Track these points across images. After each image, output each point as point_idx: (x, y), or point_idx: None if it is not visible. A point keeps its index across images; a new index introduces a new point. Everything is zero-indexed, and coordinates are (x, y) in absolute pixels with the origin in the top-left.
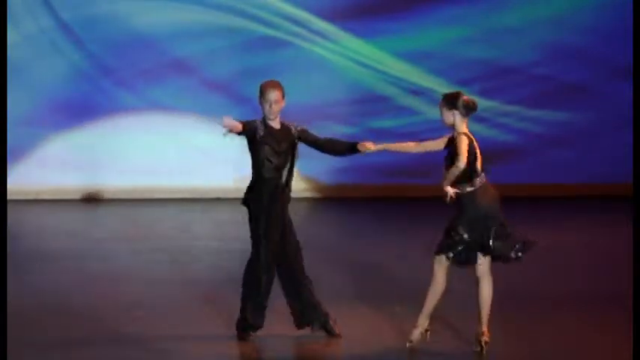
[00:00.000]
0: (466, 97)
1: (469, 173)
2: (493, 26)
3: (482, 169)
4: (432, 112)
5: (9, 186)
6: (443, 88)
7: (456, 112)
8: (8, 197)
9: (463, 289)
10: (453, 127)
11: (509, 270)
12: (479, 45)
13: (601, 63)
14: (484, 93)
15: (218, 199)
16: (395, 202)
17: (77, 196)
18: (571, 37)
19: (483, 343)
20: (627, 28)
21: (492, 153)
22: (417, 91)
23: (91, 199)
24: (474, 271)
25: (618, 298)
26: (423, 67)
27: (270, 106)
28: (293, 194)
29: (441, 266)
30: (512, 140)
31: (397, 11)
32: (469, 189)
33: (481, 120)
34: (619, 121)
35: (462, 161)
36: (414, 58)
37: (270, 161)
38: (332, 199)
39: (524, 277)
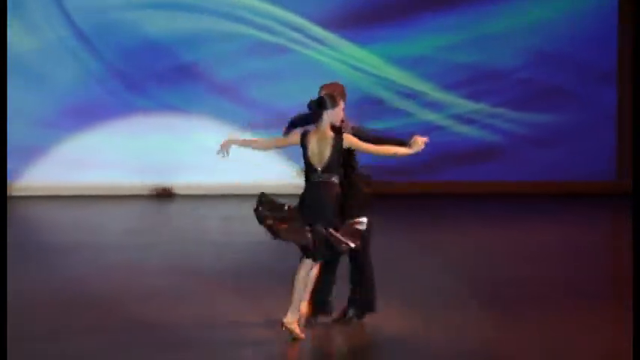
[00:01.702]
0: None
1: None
2: (480, 33)
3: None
4: (424, 114)
5: (29, 183)
6: (434, 91)
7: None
8: (28, 194)
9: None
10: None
11: (498, 261)
12: (467, 51)
13: (582, 68)
14: (472, 96)
15: (226, 196)
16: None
17: (94, 192)
18: (553, 43)
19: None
20: (607, 35)
21: (480, 152)
22: (410, 95)
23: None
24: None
25: (600, 289)
26: (415, 71)
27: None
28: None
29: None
30: (499, 140)
31: (391, 19)
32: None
33: (470, 122)
34: (599, 123)
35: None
36: (406, 63)
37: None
38: None
39: (510, 268)
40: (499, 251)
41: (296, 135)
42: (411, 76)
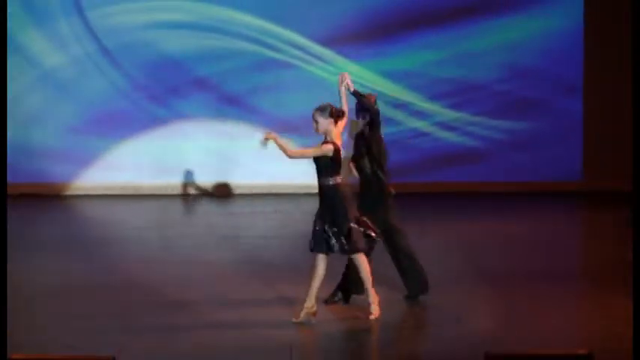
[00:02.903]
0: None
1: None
2: (461, 51)
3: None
4: (411, 121)
5: (52, 183)
6: (420, 102)
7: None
8: (52, 193)
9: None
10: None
11: (479, 252)
12: (450, 66)
13: (552, 81)
14: (454, 106)
15: (234, 195)
16: None
17: (118, 192)
18: (527, 59)
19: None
20: (574, 52)
21: (461, 156)
22: (399, 105)
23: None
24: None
25: (565, 275)
26: (404, 84)
27: None
28: (300, 190)
29: (319, 257)
30: (478, 145)
31: (382, 38)
32: (332, 182)
33: (452, 128)
34: (566, 130)
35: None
36: (396, 76)
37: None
38: None
39: (490, 257)
40: (479, 243)
41: (328, 147)
42: (400, 88)
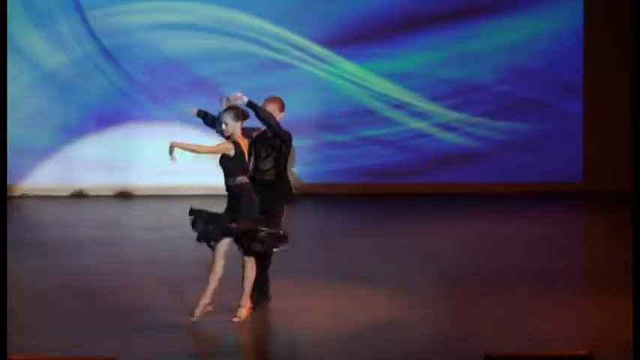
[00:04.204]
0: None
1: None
2: (462, 51)
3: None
4: (411, 122)
5: (52, 183)
6: (420, 102)
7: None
8: (52, 193)
9: None
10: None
11: (477, 254)
12: (450, 66)
13: (552, 82)
14: (455, 107)
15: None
16: (366, 200)
17: (113, 192)
18: (527, 60)
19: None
20: (574, 53)
21: (461, 157)
22: (399, 105)
23: (125, 195)
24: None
25: (565, 276)
26: (404, 85)
27: None
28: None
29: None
30: (479, 146)
31: (382, 39)
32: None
33: (452, 129)
34: (568, 130)
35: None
36: (396, 77)
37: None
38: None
39: (489, 259)
40: (479, 244)
41: (230, 144)
42: (400, 88)
